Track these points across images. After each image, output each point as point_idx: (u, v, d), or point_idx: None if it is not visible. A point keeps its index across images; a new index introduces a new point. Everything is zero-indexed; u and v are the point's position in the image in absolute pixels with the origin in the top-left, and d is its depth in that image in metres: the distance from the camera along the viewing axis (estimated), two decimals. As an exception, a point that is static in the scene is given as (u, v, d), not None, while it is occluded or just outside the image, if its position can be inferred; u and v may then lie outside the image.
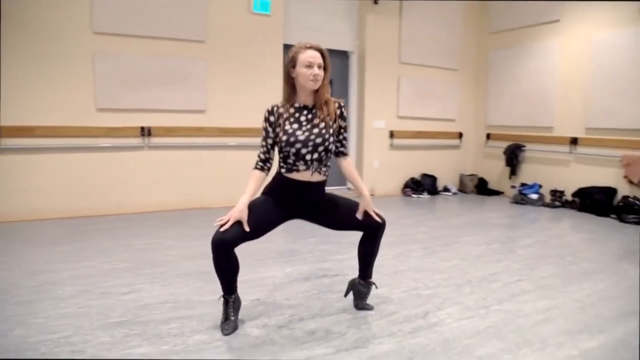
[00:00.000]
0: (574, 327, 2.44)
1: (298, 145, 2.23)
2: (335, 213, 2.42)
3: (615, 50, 5.48)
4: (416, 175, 7.03)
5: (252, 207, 2.23)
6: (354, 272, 3.06)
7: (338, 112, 2.32)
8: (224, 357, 2.07)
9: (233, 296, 2.32)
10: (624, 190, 5.44)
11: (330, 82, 6.92)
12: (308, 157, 2.25)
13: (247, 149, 5.60)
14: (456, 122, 7.30)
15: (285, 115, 2.26)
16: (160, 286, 2.89)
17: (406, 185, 6.93)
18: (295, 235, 4.07)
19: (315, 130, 2.26)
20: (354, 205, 2.42)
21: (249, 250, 3.59)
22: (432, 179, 7.03)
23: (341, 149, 2.44)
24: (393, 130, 6.76)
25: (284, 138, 2.23)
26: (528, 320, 2.52)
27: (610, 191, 5.51)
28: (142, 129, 4.97)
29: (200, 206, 5.34)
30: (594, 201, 5.54)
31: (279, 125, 2.25)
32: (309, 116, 2.28)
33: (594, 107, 5.72)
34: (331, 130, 2.30)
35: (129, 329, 2.30)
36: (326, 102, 2.30)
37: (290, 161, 2.27)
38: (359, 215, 2.37)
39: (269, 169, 2.35)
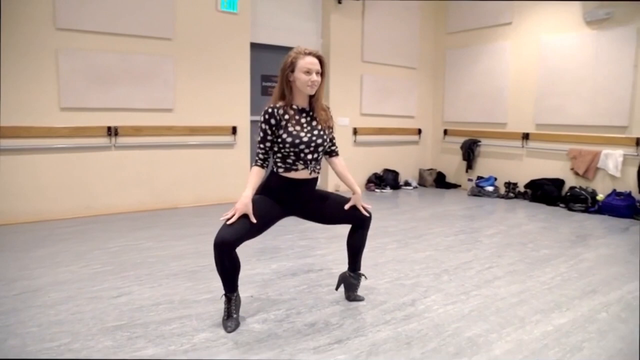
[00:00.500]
0: (545, 307, 2.69)
1: (302, 147, 2.32)
2: (328, 208, 2.55)
3: (562, 52, 5.93)
4: (379, 170, 7.25)
5: (253, 205, 2.30)
6: (337, 267, 3.21)
7: (329, 114, 2.47)
8: (232, 352, 2.13)
9: (235, 294, 2.38)
10: (570, 181, 5.92)
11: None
12: (309, 157, 2.36)
13: (216, 148, 5.60)
14: (415, 118, 7.59)
15: (286, 117, 2.34)
16: (150, 287, 2.89)
17: (369, 181, 7.14)
18: (274, 232, 4.09)
19: (315, 132, 2.37)
20: (343, 200, 2.56)
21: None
22: (394, 173, 7.27)
23: (333, 148, 2.57)
24: (357, 127, 6.94)
25: (289, 140, 2.30)
26: (505, 302, 2.75)
27: (559, 182, 5.97)
28: (109, 128, 4.85)
29: (170, 206, 5.28)
30: (545, 192, 5.98)
31: (282, 127, 2.32)
32: (308, 118, 2.39)
33: (544, 105, 6.16)
34: (327, 131, 2.43)
35: (130, 332, 2.30)
36: (323, 108, 2.43)
37: (289, 161, 2.36)
38: (346, 207, 2.52)
39: (267, 166, 2.43)
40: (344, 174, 2.59)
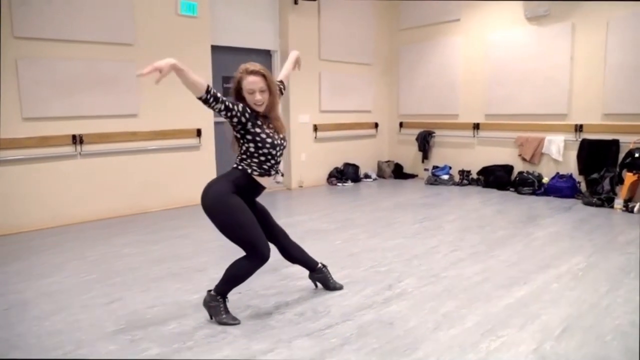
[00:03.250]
0: (506, 282, 3.02)
1: (278, 148, 2.49)
2: (261, 214, 2.67)
3: (507, 46, 6.38)
4: (339, 164, 7.50)
5: (245, 209, 2.44)
6: (316, 258, 3.38)
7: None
8: (234, 345, 2.28)
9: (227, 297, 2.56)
10: (519, 166, 6.41)
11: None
12: (279, 159, 2.55)
13: (182, 150, 5.65)
14: (372, 113, 7.89)
15: (259, 122, 2.43)
16: (140, 292, 2.98)
17: (331, 175, 7.38)
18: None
19: (280, 135, 2.54)
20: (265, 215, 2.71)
21: (211, 248, 3.80)
22: (354, 167, 7.55)
23: None
24: (317, 123, 7.15)
25: (269, 140, 2.44)
26: (470, 281, 3.06)
27: (509, 168, 6.45)
28: (74, 137, 4.80)
29: (140, 211, 5.29)
30: (496, 177, 6.45)
31: (258, 126, 2.41)
32: (270, 124, 2.51)
33: (492, 96, 6.61)
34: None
35: (131, 335, 2.41)
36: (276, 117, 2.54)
37: (265, 167, 2.49)
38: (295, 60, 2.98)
39: (207, 92, 2.27)
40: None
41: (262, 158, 2.46)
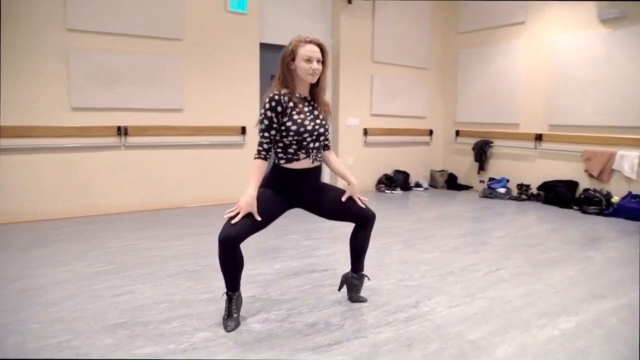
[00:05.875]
0: (552, 310, 2.63)
1: (305, 135, 2.31)
2: (330, 202, 2.50)
3: (575, 51, 5.82)
4: (389, 171, 7.20)
5: (258, 201, 2.28)
6: (341, 267, 3.17)
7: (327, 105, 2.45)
8: (231, 352, 2.12)
9: (237, 293, 2.37)
10: (585, 183, 5.80)
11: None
12: (311, 145, 2.35)
13: (223, 148, 5.62)
14: (426, 119, 7.53)
15: (291, 105, 2.31)
16: (152, 287, 2.89)
17: (379, 182, 7.10)
18: (277, 232, 4.11)
19: (318, 121, 2.37)
20: (349, 197, 2.52)
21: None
22: (405, 175, 7.22)
23: (327, 142, 2.53)
24: (367, 127, 6.90)
25: (294, 128, 2.28)
26: (510, 305, 2.69)
27: (573, 184, 5.85)
28: (119, 128, 4.89)
29: (176, 206, 5.30)
30: (558, 194, 5.87)
31: (287, 115, 2.29)
32: (310, 107, 2.38)
33: (557, 105, 6.05)
34: (326, 121, 2.43)
35: (130, 330, 2.30)
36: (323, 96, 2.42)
37: (291, 151, 2.33)
38: (343, 198, 2.48)
39: (270, 157, 2.35)
40: (338, 166, 2.57)
41: (287, 142, 2.32)
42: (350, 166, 6.81)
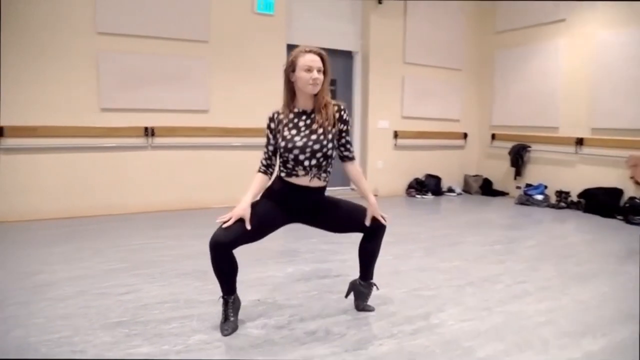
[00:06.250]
0: (576, 329, 2.41)
1: (296, 152, 2.21)
2: (336, 217, 2.41)
3: (618, 49, 5.43)
4: (420, 175, 7.00)
5: (253, 209, 2.23)
6: (355, 273, 3.03)
7: (337, 115, 2.30)
8: (224, 357, 2.06)
9: (232, 297, 2.32)
10: (630, 191, 5.39)
11: (334, 83, 6.97)
12: (306, 162, 2.24)
13: (249, 149, 5.60)
14: (460, 122, 7.27)
15: (284, 121, 2.26)
16: (159, 286, 2.89)
17: (410, 186, 6.91)
18: (297, 235, 4.05)
19: (314, 137, 2.24)
20: (354, 208, 2.42)
21: (249, 250, 3.61)
22: (436, 179, 7.00)
23: (345, 153, 2.39)
24: (397, 130, 6.74)
25: (282, 144, 2.23)
26: (530, 321, 2.50)
27: (616, 192, 5.46)
28: (146, 129, 4.99)
29: (201, 206, 5.34)
30: (600, 202, 5.49)
31: (279, 132, 2.25)
32: (308, 121, 2.27)
33: (599, 107, 5.67)
34: (330, 136, 2.27)
35: (129, 329, 2.30)
36: (325, 106, 2.27)
37: (289, 166, 2.26)
38: (367, 222, 2.36)
39: (271, 174, 2.37)
40: (357, 181, 2.44)
41: (285, 158, 2.26)
42: (379, 170, 6.68)
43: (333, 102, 2.32)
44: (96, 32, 4.64)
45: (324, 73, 2.24)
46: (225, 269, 2.23)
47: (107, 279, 2.99)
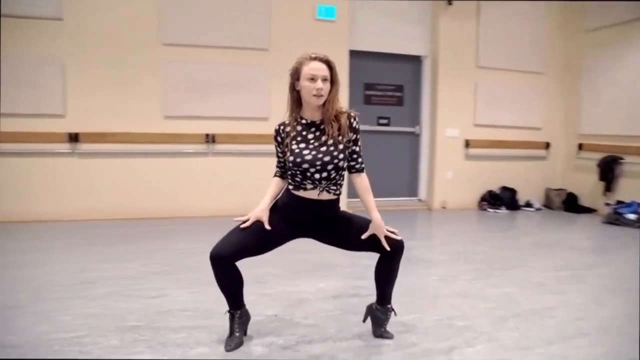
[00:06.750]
0: (630, 386, 2.02)
1: (305, 166, 2.10)
2: (347, 233, 2.26)
3: None
4: (494, 188, 6.50)
5: (259, 222, 2.16)
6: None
7: (347, 123, 2.15)
8: (215, 374, 2.02)
9: (239, 311, 2.27)
10: None
11: (401, 89, 6.71)
12: (317, 176, 2.12)
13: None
14: (542, 130, 6.63)
15: (292, 134, 2.15)
16: (188, 292, 2.94)
17: (483, 199, 6.44)
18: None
19: (323, 149, 2.11)
20: (367, 225, 2.25)
21: (287, 261, 3.58)
22: (512, 192, 6.46)
23: (352, 163, 2.24)
24: (469, 139, 6.32)
25: (291, 158, 2.12)
26: (574, 369, 2.14)
27: None
28: (207, 135, 5.17)
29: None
30: None
31: (287, 145, 2.16)
32: (317, 133, 2.14)
33: None
34: (341, 146, 2.13)
35: (140, 334, 2.34)
36: (336, 117, 2.13)
37: (297, 179, 2.16)
38: (364, 236, 2.19)
39: (286, 177, 2.28)
40: (363, 194, 2.26)
41: (293, 171, 2.15)
42: (448, 181, 6.32)
43: (344, 110, 2.18)
44: (161, 44, 4.91)
45: (332, 82, 2.11)
46: (227, 283, 2.18)
47: (143, 281, 3.11)
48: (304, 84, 2.08)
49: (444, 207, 6.35)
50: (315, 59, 2.10)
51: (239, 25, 5.17)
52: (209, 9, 5.04)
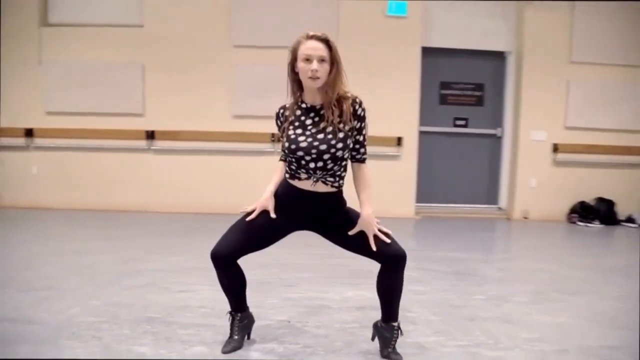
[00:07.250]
0: None
1: (300, 153, 1.99)
2: (344, 233, 2.10)
3: None
4: (587, 198, 5.77)
5: (262, 213, 2.14)
6: (419, 310, 2.71)
7: (351, 109, 1.99)
8: (204, 376, 2.02)
9: (240, 314, 2.25)
10: None
11: (482, 87, 6.29)
12: (311, 165, 2.00)
13: (377, 159, 5.40)
14: (649, 134, 5.74)
15: (290, 119, 2.05)
16: (214, 290, 2.91)
17: (573, 210, 5.76)
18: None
19: (320, 136, 1.98)
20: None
21: (324, 265, 3.50)
22: (610, 204, 5.67)
23: (353, 153, 2.08)
24: (557, 142, 5.68)
25: (286, 145, 2.03)
26: None
27: None
28: (273, 135, 5.27)
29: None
30: None
31: (284, 130, 2.07)
32: (316, 119, 2.02)
33: None
34: (341, 135, 1.98)
35: (152, 326, 2.43)
36: (338, 102, 1.99)
37: (293, 167, 2.06)
38: (351, 232, 2.04)
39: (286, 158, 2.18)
40: (359, 186, 2.11)
41: (289, 159, 2.06)
42: (532, 189, 5.75)
43: (349, 94, 2.02)
44: (232, 46, 5.11)
45: (332, 62, 1.95)
46: (227, 283, 2.17)
47: (177, 275, 3.25)
48: (300, 65, 1.96)
49: (525, 218, 5.79)
50: (312, 37, 1.95)
51: (307, 24, 5.12)
52: (277, 10, 5.12)
